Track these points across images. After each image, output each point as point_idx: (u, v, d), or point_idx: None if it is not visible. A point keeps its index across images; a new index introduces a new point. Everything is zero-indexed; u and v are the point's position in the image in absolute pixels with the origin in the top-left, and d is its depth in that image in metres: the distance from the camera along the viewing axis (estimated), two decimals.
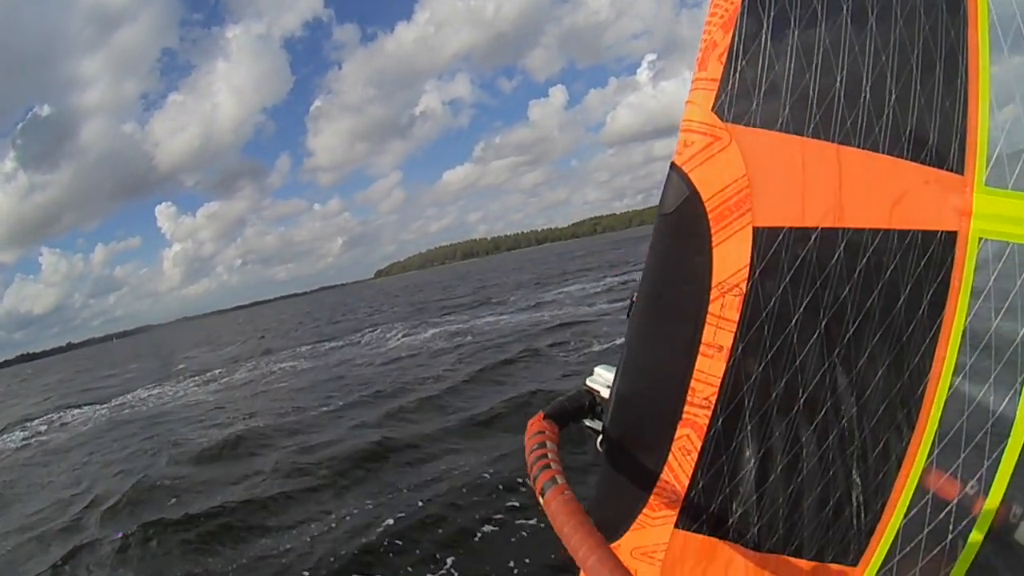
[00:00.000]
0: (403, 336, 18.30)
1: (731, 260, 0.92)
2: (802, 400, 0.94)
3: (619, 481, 1.08)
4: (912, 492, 0.93)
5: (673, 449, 1.01)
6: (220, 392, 15.24)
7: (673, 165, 0.95)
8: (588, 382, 1.45)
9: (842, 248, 0.89)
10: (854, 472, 0.96)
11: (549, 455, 0.95)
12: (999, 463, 0.85)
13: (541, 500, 0.88)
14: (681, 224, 0.94)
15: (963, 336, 0.87)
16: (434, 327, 18.52)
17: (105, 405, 17.56)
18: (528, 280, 34.92)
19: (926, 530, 0.92)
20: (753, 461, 0.98)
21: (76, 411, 17.99)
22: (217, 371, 20.11)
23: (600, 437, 1.14)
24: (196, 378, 19.34)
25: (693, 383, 0.97)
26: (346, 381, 12.74)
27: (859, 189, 0.88)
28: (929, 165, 0.86)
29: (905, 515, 0.94)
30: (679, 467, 1.01)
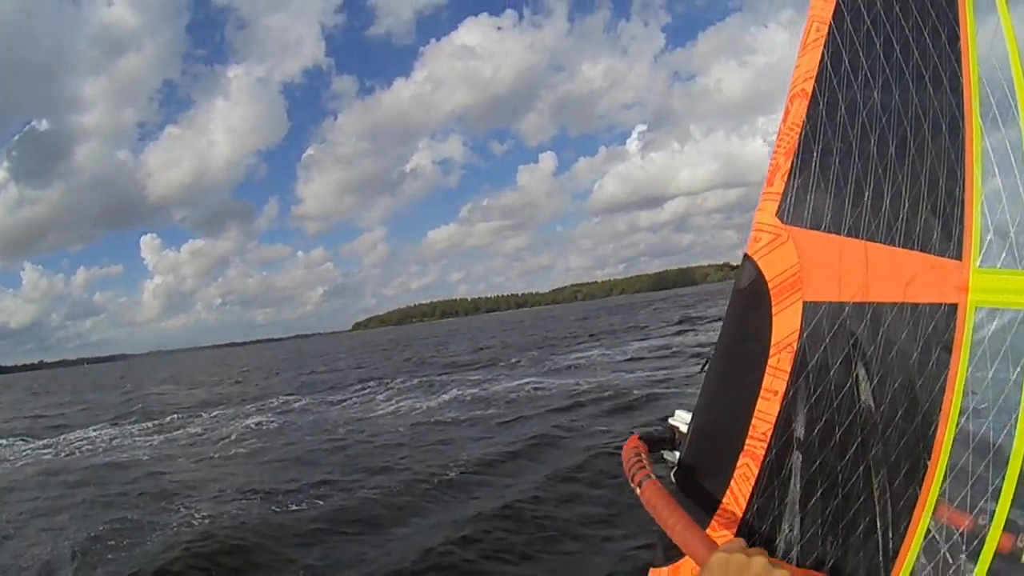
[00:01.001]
0: (401, 398, 15.25)
1: (786, 325, 1.14)
2: (837, 436, 1.11)
3: (689, 504, 1.18)
4: (928, 521, 1.06)
5: (735, 476, 1.17)
6: (163, 448, 12.35)
7: (746, 255, 1.18)
8: (670, 420, 1.57)
9: (868, 317, 1.10)
10: (880, 500, 1.10)
11: (644, 460, 1.22)
12: (1000, 492, 0.99)
13: (638, 491, 1.12)
14: (750, 298, 1.17)
15: (965, 384, 1.04)
16: (440, 390, 15.94)
17: (39, 441, 15.14)
18: (530, 343, 32.26)
19: (941, 554, 1.05)
20: (798, 487, 1.13)
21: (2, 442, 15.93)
22: (173, 417, 16.91)
23: (675, 469, 1.27)
24: (148, 424, 16.34)
25: (754, 420, 1.15)
26: (327, 459, 9.69)
27: (880, 273, 1.10)
28: (934, 255, 1.07)
29: (923, 541, 1.07)
30: (739, 491, 1.16)
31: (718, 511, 1.18)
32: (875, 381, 1.10)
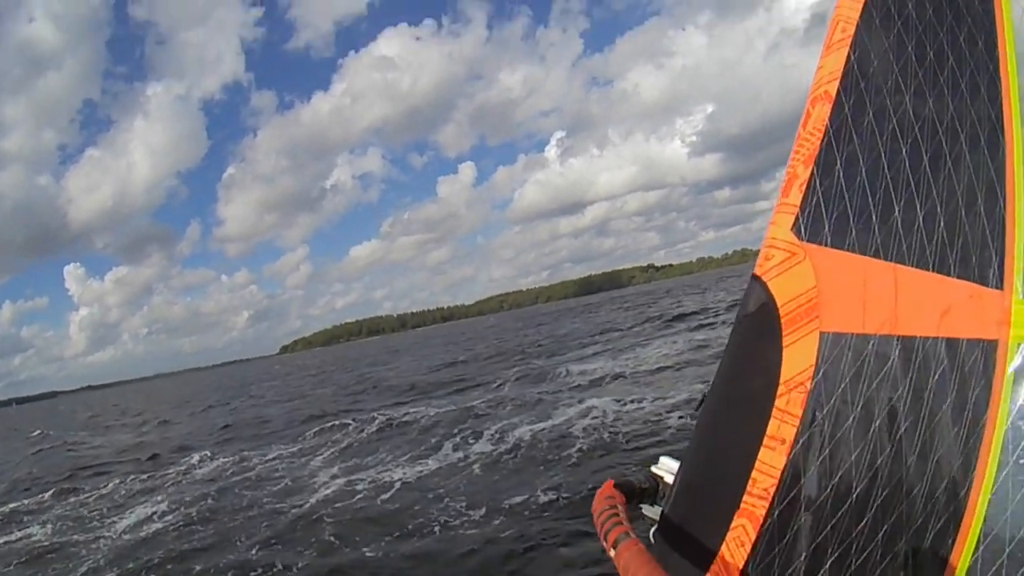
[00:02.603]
0: (403, 455, 10.36)
1: (799, 360, 0.96)
2: (854, 495, 0.94)
3: (672, 569, 0.93)
4: None
5: (728, 539, 0.99)
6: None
7: (755, 276, 1.01)
8: (653, 469, 1.30)
9: (896, 353, 0.95)
10: (903, 572, 0.94)
11: (621, 514, 0.97)
12: None
13: (612, 553, 0.88)
14: (757, 325, 1.00)
15: (1005, 434, 0.89)
16: (427, 447, 10.55)
17: None
18: (499, 355, 28.18)
19: None
20: (804, 555, 0.96)
21: None
22: (45, 497, 11.91)
23: (655, 527, 1.10)
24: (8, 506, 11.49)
25: (754, 473, 0.97)
26: None
27: (912, 302, 0.95)
28: (972, 282, 0.93)
29: None
30: (731, 558, 0.98)
31: None
32: (902, 430, 0.95)
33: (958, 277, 0.94)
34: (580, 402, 11.75)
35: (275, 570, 6.07)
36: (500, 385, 17.32)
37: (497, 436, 10.34)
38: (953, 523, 0.91)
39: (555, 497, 6.79)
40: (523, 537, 5.89)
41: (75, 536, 8.59)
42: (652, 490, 1.23)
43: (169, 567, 6.64)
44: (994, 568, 0.87)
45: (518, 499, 6.93)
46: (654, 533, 1.10)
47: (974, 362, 0.92)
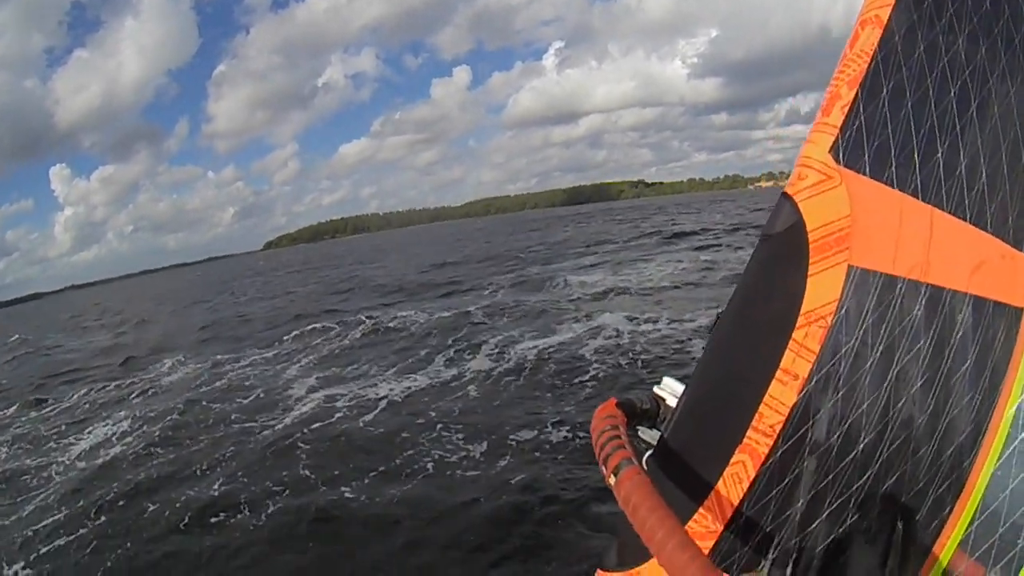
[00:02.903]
0: (388, 368, 9.25)
1: (823, 291, 0.90)
2: (861, 445, 0.89)
3: (664, 497, 0.85)
4: (940, 572, 0.89)
5: (726, 474, 0.93)
6: None
7: (785, 194, 0.95)
8: (656, 389, 1.19)
9: (923, 302, 0.89)
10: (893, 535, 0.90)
11: (622, 436, 0.87)
12: None
13: (611, 481, 0.79)
14: (783, 248, 0.93)
15: (1018, 408, 0.87)
16: (417, 359, 9.42)
17: None
18: (491, 259, 26.85)
19: None
20: (801, 501, 0.90)
21: None
22: (9, 412, 10.98)
23: (649, 452, 1.02)
24: None
25: (762, 407, 0.91)
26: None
27: (945, 250, 0.90)
28: (1007, 242, 0.89)
29: None
30: (726, 495, 0.92)
31: (697, 513, 0.94)
32: (918, 384, 0.89)
33: (994, 234, 0.89)
34: (588, 318, 10.69)
35: (239, 515, 5.05)
36: (495, 291, 16.24)
37: (496, 351, 9.30)
38: (953, 492, 0.88)
39: (570, 435, 5.78)
40: (537, 486, 4.88)
41: (28, 461, 7.61)
42: (652, 412, 1.12)
43: (121, 504, 5.64)
44: (985, 546, 0.86)
45: (526, 435, 5.91)
46: (648, 459, 1.00)
47: (998, 326, 0.88)
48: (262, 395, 8.99)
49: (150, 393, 10.48)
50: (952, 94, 0.93)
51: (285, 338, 13.02)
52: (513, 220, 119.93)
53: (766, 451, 0.90)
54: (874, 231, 0.90)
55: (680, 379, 1.15)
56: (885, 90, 0.93)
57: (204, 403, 8.95)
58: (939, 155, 0.92)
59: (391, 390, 8.09)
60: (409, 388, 8.11)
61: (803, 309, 0.90)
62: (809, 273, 0.91)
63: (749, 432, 0.91)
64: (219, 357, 12.41)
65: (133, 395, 10.55)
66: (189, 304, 30.78)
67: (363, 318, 13.50)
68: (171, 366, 12.56)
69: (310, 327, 13.53)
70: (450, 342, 10.21)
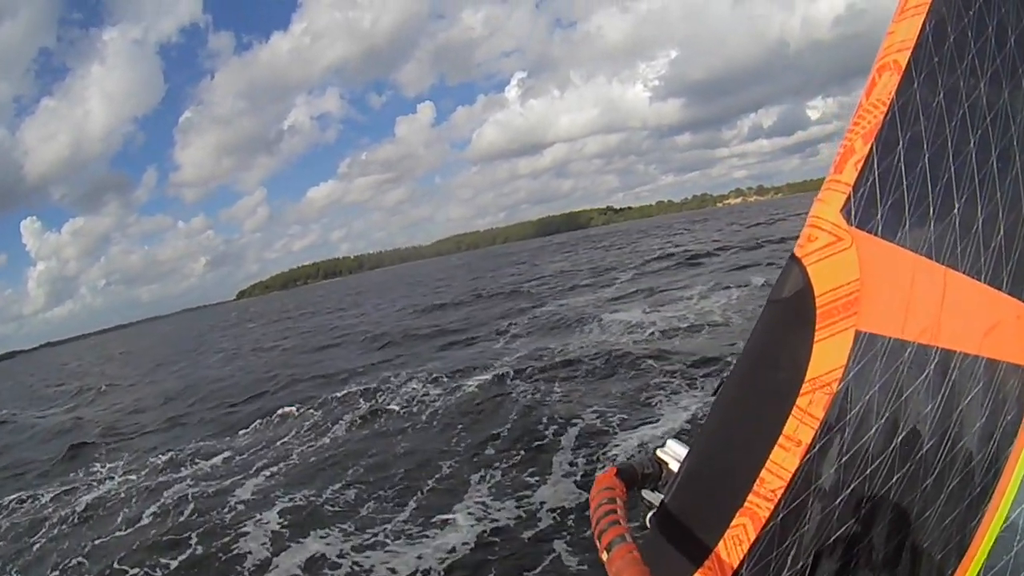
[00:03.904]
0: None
1: (829, 358, 0.87)
2: (863, 511, 0.88)
3: (664, 559, 0.95)
4: None
5: (726, 536, 0.91)
6: None
7: (794, 256, 0.90)
8: (659, 452, 1.20)
9: (932, 366, 0.87)
10: None
11: (619, 511, 0.88)
12: None
13: (605, 557, 0.80)
14: (790, 313, 0.90)
15: None
16: (444, 484, 5.81)
17: None
18: (458, 300, 23.44)
19: None
20: (801, 564, 0.89)
21: None
22: None
23: (652, 512, 1.02)
24: None
25: (764, 472, 0.89)
26: None
27: (958, 312, 0.87)
28: (1023, 302, 0.87)
29: None
30: (727, 556, 0.91)
31: (695, 574, 0.92)
32: (924, 449, 0.87)
33: (1009, 293, 0.87)
34: (686, 380, 7.23)
35: None
36: (512, 339, 12.86)
37: (585, 461, 5.72)
38: (955, 556, 0.87)
39: None
40: None
41: None
42: (655, 475, 1.13)
43: None
44: None
45: None
46: (651, 519, 1.00)
47: (1011, 388, 0.86)
48: (199, 550, 5.32)
49: (59, 530, 6.66)
50: (972, 144, 0.89)
51: (243, 432, 9.26)
52: (488, 255, 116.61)
53: (767, 515, 0.88)
54: (884, 295, 0.87)
55: (684, 442, 1.11)
56: (901, 143, 0.88)
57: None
58: (955, 211, 0.88)
59: (418, 562, 4.47)
60: (447, 557, 4.50)
61: (808, 376, 0.87)
62: (815, 339, 0.87)
63: (750, 496, 0.88)
64: (162, 459, 8.73)
65: (37, 534, 6.70)
66: (153, 367, 26.58)
67: (352, 393, 9.86)
68: (105, 473, 8.86)
69: (281, 410, 9.80)
70: (493, 448, 6.61)
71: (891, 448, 0.86)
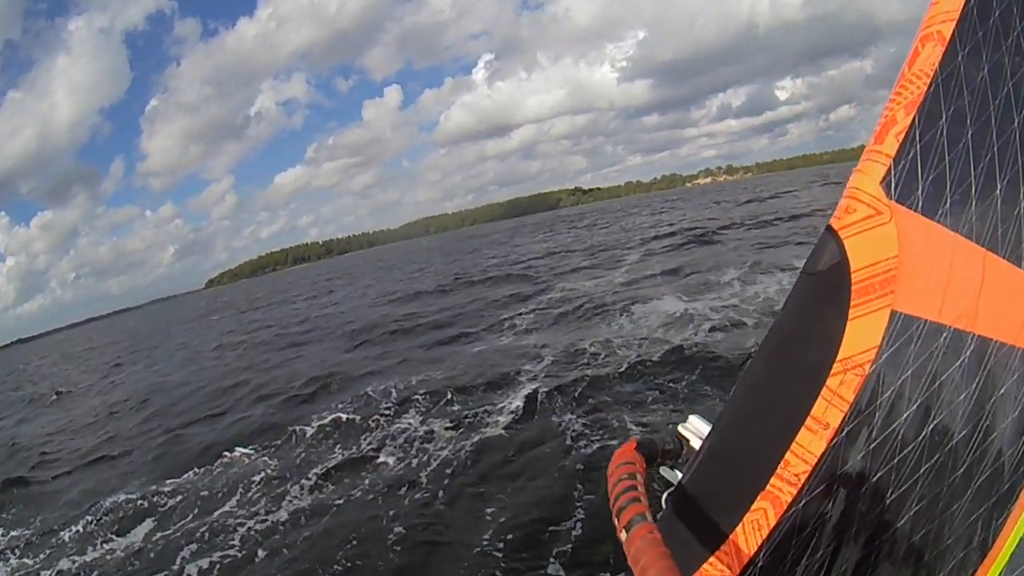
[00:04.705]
0: None
1: (863, 337, 0.83)
2: (888, 500, 0.85)
3: (679, 540, 0.90)
4: None
5: (745, 520, 0.88)
6: None
7: (830, 228, 0.85)
8: (680, 428, 1.19)
9: (967, 354, 0.83)
10: None
11: (639, 488, 0.83)
12: None
13: (623, 535, 0.75)
14: (824, 288, 0.85)
15: None
16: None
17: None
18: (441, 285, 20.53)
19: None
20: (821, 553, 0.86)
21: None
22: None
23: (668, 491, 0.99)
24: None
25: (788, 455, 0.85)
26: None
27: (996, 298, 0.83)
28: None
29: None
30: (744, 541, 0.87)
31: (711, 559, 0.89)
32: (955, 440, 0.83)
33: None
34: None
35: None
36: (524, 333, 10.32)
37: None
38: (978, 554, 0.84)
39: None
40: None
41: None
42: (676, 452, 1.09)
43: None
44: None
45: None
46: (667, 498, 0.96)
47: None
48: None
49: None
50: (1016, 123, 0.85)
51: (173, 486, 6.43)
52: (459, 236, 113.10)
53: (789, 499, 0.85)
54: (922, 275, 0.84)
55: (707, 419, 1.08)
56: (944, 117, 0.84)
57: None
58: (998, 192, 0.84)
59: None
60: None
61: (840, 355, 0.83)
62: (850, 316, 0.83)
63: (773, 479, 0.85)
64: (71, 533, 5.92)
65: None
66: (111, 367, 23.26)
67: (325, 426, 7.15)
68: (6, 543, 6.01)
69: (227, 455, 7.02)
70: (558, 559, 3.94)
71: (921, 437, 0.83)
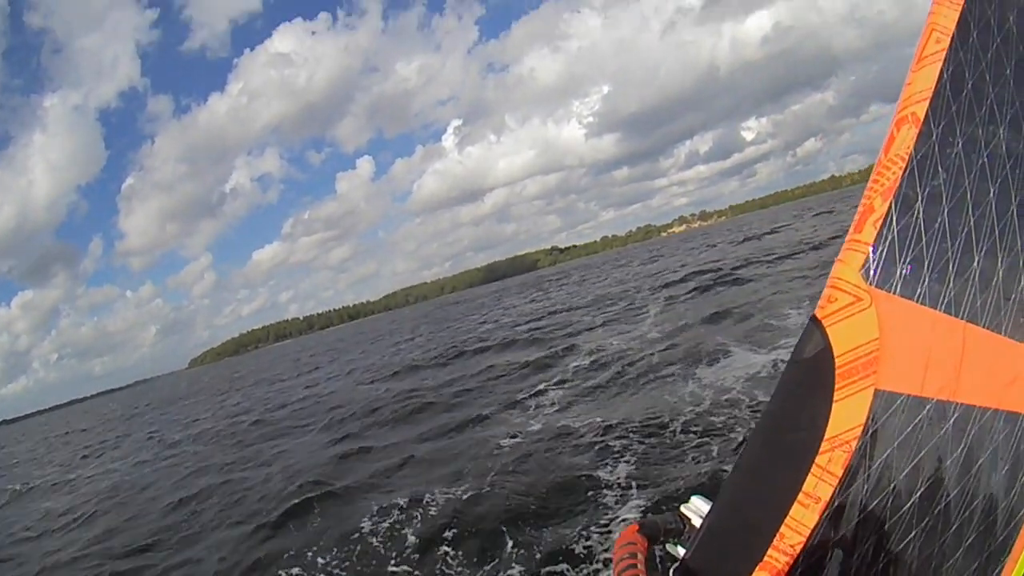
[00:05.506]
0: None
1: (848, 416, 0.86)
2: (881, 565, 0.86)
3: None
4: None
5: None
6: None
7: (814, 318, 0.89)
8: (683, 508, 1.20)
9: (951, 422, 0.85)
10: None
11: (639, 565, 0.94)
12: None
13: None
14: (810, 374, 0.89)
15: None
16: None
17: None
18: (436, 352, 17.98)
19: None
20: None
21: None
22: None
23: (675, 566, 1.00)
24: None
25: (783, 528, 0.87)
26: None
27: (977, 367, 0.86)
28: None
29: None
30: None
31: None
32: (942, 504, 0.86)
33: None
34: None
35: None
36: (555, 412, 7.78)
37: None
38: None
39: None
40: None
41: None
42: (677, 530, 1.15)
43: None
44: None
45: None
46: (673, 572, 0.98)
47: None
48: None
49: None
50: (991, 194, 0.87)
51: None
52: (440, 304, 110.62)
53: (785, 570, 0.87)
54: (903, 353, 0.85)
55: (707, 498, 1.09)
56: (920, 199, 0.87)
57: None
58: (975, 264, 0.86)
59: None
60: None
61: (827, 434, 0.85)
62: (835, 398, 0.85)
63: (770, 551, 0.87)
64: None
65: None
66: (79, 460, 19.99)
67: None
68: None
69: None
70: None
71: (909, 504, 0.85)
